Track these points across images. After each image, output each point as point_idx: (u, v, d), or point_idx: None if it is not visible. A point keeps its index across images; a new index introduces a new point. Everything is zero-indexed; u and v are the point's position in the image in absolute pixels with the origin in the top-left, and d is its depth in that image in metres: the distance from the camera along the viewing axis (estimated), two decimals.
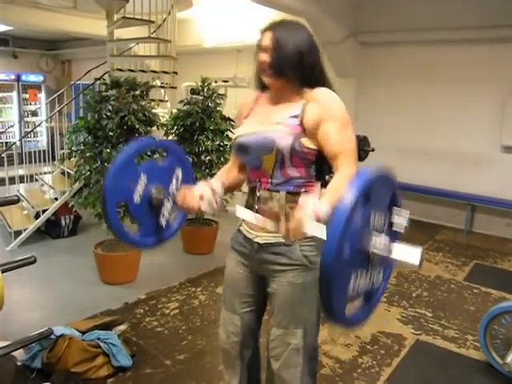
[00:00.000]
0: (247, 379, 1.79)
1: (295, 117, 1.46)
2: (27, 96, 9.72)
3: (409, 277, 4.04)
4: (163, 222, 1.74)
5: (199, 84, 4.21)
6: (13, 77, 9.45)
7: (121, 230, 1.69)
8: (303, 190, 1.52)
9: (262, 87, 1.62)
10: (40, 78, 9.88)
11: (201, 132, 4.07)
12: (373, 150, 5.03)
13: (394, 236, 1.27)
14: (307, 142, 1.46)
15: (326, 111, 1.44)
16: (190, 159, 4.08)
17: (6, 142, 8.49)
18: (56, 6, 5.98)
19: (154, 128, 3.83)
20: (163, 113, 4.78)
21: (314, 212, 1.27)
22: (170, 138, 4.18)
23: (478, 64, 5.36)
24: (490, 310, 2.65)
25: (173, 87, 5.10)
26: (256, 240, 1.58)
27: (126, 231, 1.71)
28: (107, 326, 2.72)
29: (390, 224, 1.28)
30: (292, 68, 1.46)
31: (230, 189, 1.74)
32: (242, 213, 1.51)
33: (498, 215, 5.42)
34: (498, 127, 5.29)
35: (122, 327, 2.81)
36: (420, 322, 3.22)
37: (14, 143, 5.46)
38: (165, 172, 1.74)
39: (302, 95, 1.50)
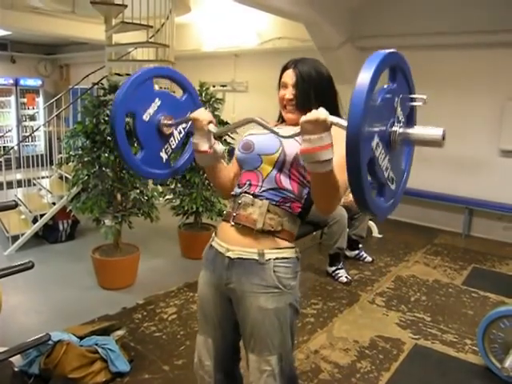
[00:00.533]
0: None
1: None
2: (25, 100, 9.73)
3: (407, 281, 4.04)
4: (164, 156, 1.75)
5: (197, 88, 4.22)
6: (11, 81, 9.46)
7: (125, 144, 1.66)
8: (288, 205, 1.48)
9: (282, 120, 1.65)
10: (38, 83, 9.89)
11: None
12: None
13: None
14: None
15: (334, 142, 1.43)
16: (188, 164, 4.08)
17: (4, 147, 8.45)
18: (54, 11, 6.00)
19: None
20: None
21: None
22: None
23: (477, 69, 5.38)
24: (488, 314, 2.65)
25: (171, 92, 5.11)
26: (227, 254, 1.49)
27: (128, 145, 1.67)
28: (105, 332, 2.71)
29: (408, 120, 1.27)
30: (313, 104, 1.45)
31: (218, 175, 1.66)
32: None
33: (496, 219, 5.43)
34: (497, 131, 5.30)
35: (120, 332, 2.80)
36: (418, 327, 3.22)
37: (12, 148, 5.45)
38: (179, 109, 1.74)
39: None
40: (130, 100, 1.62)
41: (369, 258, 4.50)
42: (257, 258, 1.45)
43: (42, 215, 4.62)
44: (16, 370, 2.40)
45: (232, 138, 4.29)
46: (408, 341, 3.02)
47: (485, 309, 3.44)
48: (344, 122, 1.16)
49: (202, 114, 1.56)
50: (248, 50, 6.95)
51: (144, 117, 1.65)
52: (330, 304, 3.51)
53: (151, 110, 1.67)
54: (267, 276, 1.44)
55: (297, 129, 1.27)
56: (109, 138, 3.50)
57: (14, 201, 1.70)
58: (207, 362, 1.65)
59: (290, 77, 1.53)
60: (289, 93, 1.53)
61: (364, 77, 1.08)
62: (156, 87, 1.78)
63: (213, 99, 4.24)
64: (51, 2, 5.68)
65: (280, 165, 1.47)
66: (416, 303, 3.61)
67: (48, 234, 4.79)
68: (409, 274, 4.21)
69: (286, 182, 1.48)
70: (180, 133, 1.81)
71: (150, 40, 5.00)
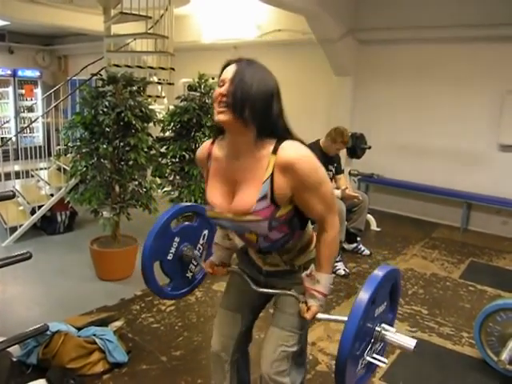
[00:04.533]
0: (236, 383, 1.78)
1: (264, 198, 1.34)
2: (23, 91, 9.68)
3: (405, 274, 4.05)
4: (189, 275, 1.93)
5: (196, 80, 4.20)
6: (9, 72, 9.39)
7: (157, 286, 1.86)
8: (291, 240, 1.53)
9: (219, 132, 1.50)
10: (36, 74, 9.84)
11: (198, 128, 4.06)
12: (369, 148, 5.06)
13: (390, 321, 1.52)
14: (282, 211, 1.38)
15: (299, 183, 1.33)
16: (187, 156, 4.08)
17: (2, 138, 8.44)
18: (53, 1, 5.95)
19: (151, 124, 3.82)
20: (160, 109, 4.76)
21: (321, 296, 1.47)
22: (167, 134, 4.17)
23: (476, 62, 5.37)
24: (485, 308, 2.66)
25: (170, 83, 5.09)
26: (264, 268, 1.63)
27: (161, 287, 1.87)
28: (103, 322, 2.72)
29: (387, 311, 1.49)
30: (252, 108, 1.29)
31: None
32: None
33: (494, 213, 5.44)
34: (496, 126, 5.30)
35: (118, 323, 2.81)
36: (416, 320, 3.23)
37: (10, 139, 5.43)
38: (194, 232, 1.93)
39: (262, 146, 1.36)
40: (154, 253, 1.78)
41: (367, 251, 4.51)
42: (289, 268, 1.60)
43: (40, 206, 4.61)
44: (14, 359, 2.41)
45: None
46: (405, 333, 3.02)
47: (482, 302, 3.45)
48: (339, 318, 1.43)
49: (219, 273, 1.72)
50: (247, 42, 6.91)
51: (168, 257, 1.82)
52: (327, 296, 3.51)
53: (173, 250, 1.83)
54: (299, 276, 1.54)
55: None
56: (107, 129, 3.49)
57: (12, 191, 1.70)
58: (229, 339, 1.71)
59: (230, 72, 1.33)
60: (224, 88, 1.31)
61: (353, 322, 1.24)
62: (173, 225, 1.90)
63: (212, 91, 4.21)
64: None
65: (262, 236, 1.47)
66: (413, 296, 3.62)
67: (46, 226, 4.78)
68: (406, 268, 4.22)
69: (275, 235, 1.46)
70: (200, 249, 1.95)
71: (149, 31, 4.98)
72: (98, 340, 2.50)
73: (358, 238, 4.57)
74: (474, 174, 5.52)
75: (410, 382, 2.54)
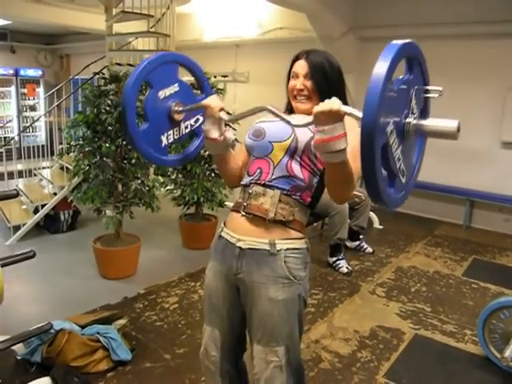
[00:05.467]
0: None
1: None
2: (25, 91, 9.69)
3: (408, 272, 4.05)
4: (164, 140, 1.72)
5: None
6: (11, 71, 9.40)
7: (132, 119, 1.66)
8: (298, 194, 1.47)
9: (291, 111, 1.63)
10: (38, 73, 9.85)
11: None
12: None
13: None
14: None
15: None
16: None
17: (5, 137, 8.48)
18: (54, 0, 5.95)
19: None
20: None
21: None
22: None
23: (478, 59, 5.35)
24: (488, 305, 2.66)
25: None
26: (238, 244, 1.48)
27: (134, 111, 1.66)
28: (107, 321, 2.73)
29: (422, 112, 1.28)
30: (326, 93, 1.45)
31: (228, 164, 1.65)
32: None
33: (496, 211, 5.43)
34: (498, 123, 5.28)
35: (122, 321, 2.81)
36: (419, 317, 3.23)
37: (13, 138, 5.44)
38: (194, 103, 1.74)
39: None
40: (152, 71, 1.63)
41: (369, 249, 4.51)
42: (268, 248, 1.44)
43: (43, 205, 4.63)
44: (18, 358, 2.42)
45: (234, 129, 4.27)
46: (408, 331, 3.03)
47: (485, 300, 3.45)
48: (357, 112, 1.14)
49: (214, 101, 1.53)
50: (249, 40, 6.90)
51: (159, 94, 1.66)
52: (330, 294, 3.52)
53: (167, 92, 1.67)
54: (278, 267, 1.43)
55: (309, 118, 1.25)
56: (110, 127, 3.49)
57: (16, 190, 1.71)
58: (213, 352, 1.62)
59: (301, 67, 1.53)
60: (299, 83, 1.52)
61: (381, 66, 1.06)
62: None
63: (214, 89, 4.21)
64: None
65: (291, 151, 1.45)
66: (416, 294, 3.62)
67: (49, 225, 4.79)
68: (409, 265, 4.22)
69: (296, 169, 1.46)
70: (186, 128, 1.79)
71: (151, 30, 4.97)
72: (101, 338, 2.51)
73: (361, 236, 4.57)
74: (477, 172, 5.50)
75: (412, 379, 2.54)
